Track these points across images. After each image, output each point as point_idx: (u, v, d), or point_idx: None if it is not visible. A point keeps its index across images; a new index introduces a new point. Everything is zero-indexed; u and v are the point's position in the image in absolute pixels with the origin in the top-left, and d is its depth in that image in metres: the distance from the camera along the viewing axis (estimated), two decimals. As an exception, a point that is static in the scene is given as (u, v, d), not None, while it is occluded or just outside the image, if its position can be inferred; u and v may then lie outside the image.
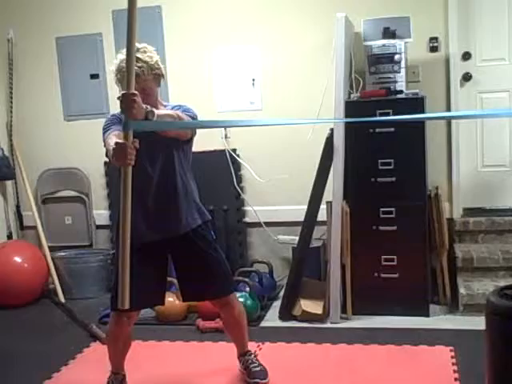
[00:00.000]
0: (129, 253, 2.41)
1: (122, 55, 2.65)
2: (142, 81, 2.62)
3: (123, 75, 2.61)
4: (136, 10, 2.30)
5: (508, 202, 4.44)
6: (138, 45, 2.67)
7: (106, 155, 2.74)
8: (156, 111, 2.52)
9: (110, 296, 2.93)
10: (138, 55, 2.66)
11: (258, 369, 3.12)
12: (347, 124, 3.96)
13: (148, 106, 2.47)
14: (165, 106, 2.87)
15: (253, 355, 3.20)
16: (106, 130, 2.78)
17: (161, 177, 2.79)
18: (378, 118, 2.89)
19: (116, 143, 2.38)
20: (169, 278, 3.07)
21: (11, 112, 5.16)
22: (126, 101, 2.33)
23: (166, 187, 2.80)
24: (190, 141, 2.90)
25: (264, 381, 3.09)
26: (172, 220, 2.85)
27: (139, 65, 2.63)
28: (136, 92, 2.36)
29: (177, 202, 2.84)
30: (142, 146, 2.42)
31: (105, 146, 2.74)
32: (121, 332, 2.92)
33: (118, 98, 2.36)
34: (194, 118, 2.81)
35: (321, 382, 3.14)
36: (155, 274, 2.87)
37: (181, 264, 2.96)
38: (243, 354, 3.18)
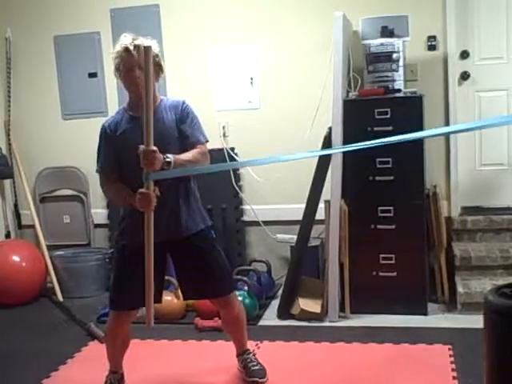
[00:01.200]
0: (153, 285, 2.60)
1: (123, 38, 2.76)
2: (142, 55, 2.61)
3: (124, 49, 2.71)
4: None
5: (506, 201, 4.44)
6: (141, 37, 2.76)
7: (104, 192, 2.96)
8: (173, 159, 2.64)
9: (109, 295, 2.95)
10: (140, 37, 2.74)
11: (256, 368, 3.12)
12: (346, 123, 3.96)
13: (165, 157, 2.60)
14: (161, 101, 2.87)
15: (251, 354, 3.20)
16: (98, 156, 2.89)
17: (164, 182, 2.79)
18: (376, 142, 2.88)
19: (140, 193, 2.59)
20: (167, 277, 3.07)
21: (9, 111, 5.15)
22: (147, 157, 2.53)
23: (168, 193, 2.78)
24: None
25: (263, 380, 3.09)
26: (173, 225, 2.84)
27: (140, 41, 2.71)
28: (155, 148, 2.53)
29: (179, 207, 2.84)
30: None
31: (97, 167, 2.89)
32: (119, 331, 2.92)
33: (139, 153, 2.53)
34: (204, 142, 2.88)
35: (319, 381, 3.14)
36: (154, 273, 2.87)
37: (181, 264, 2.95)
38: (242, 353, 3.18)
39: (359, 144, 2.57)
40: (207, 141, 2.89)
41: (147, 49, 2.51)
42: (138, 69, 2.69)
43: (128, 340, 3.00)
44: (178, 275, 3.03)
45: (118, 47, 2.75)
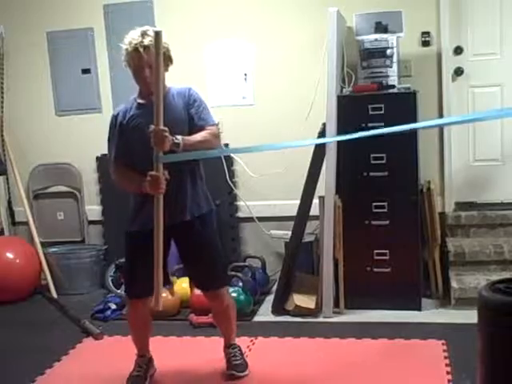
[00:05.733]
0: (161, 272, 2.72)
1: (133, 33, 2.76)
2: (152, 53, 2.66)
3: (134, 49, 2.72)
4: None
5: (499, 196, 4.45)
6: (146, 27, 2.79)
7: (115, 179, 2.94)
8: (182, 140, 2.69)
9: (124, 284, 2.99)
10: (148, 32, 2.74)
11: (237, 362, 3.15)
12: (340, 119, 3.96)
13: (174, 138, 2.65)
14: (169, 89, 2.89)
15: (237, 349, 3.21)
16: (108, 142, 2.93)
17: (170, 164, 2.79)
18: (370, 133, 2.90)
19: (150, 175, 2.66)
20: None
21: (2, 107, 5.13)
22: (157, 136, 2.61)
23: (174, 175, 2.80)
24: None
25: (240, 374, 3.12)
26: (178, 209, 2.88)
27: (150, 38, 2.71)
28: (166, 128, 2.59)
29: (184, 189, 2.89)
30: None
31: (109, 156, 2.94)
32: (138, 316, 3.03)
33: (149, 133, 2.61)
34: (213, 124, 2.94)
35: (313, 377, 3.15)
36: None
37: (182, 249, 3.02)
38: (228, 347, 3.20)
39: (354, 134, 2.60)
40: (216, 124, 2.95)
41: (158, 33, 2.56)
42: (148, 68, 2.73)
43: (149, 323, 3.10)
44: (183, 261, 3.11)
45: (128, 44, 2.75)
